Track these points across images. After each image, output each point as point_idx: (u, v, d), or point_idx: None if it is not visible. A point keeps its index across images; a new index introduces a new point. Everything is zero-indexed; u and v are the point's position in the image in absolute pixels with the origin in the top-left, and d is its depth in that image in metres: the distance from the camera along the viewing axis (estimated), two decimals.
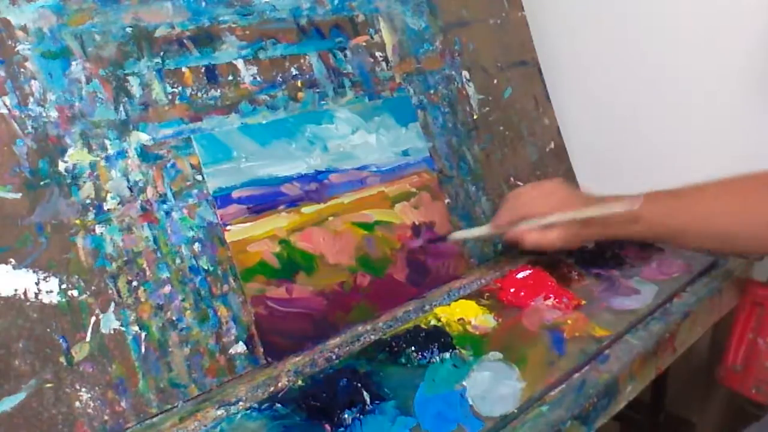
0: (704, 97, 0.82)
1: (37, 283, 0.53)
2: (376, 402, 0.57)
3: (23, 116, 0.55)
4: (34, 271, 0.53)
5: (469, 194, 0.83)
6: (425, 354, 0.63)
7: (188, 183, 0.62)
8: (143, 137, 0.61)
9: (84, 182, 0.57)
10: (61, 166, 0.56)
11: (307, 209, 0.69)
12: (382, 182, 0.75)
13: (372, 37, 0.79)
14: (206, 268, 0.61)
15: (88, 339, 0.54)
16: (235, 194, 0.65)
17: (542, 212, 0.70)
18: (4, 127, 0.54)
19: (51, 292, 0.53)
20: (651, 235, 0.70)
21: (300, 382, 0.60)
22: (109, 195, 0.58)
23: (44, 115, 0.56)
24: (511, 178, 0.88)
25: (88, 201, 0.57)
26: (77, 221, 0.56)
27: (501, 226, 0.73)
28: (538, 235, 0.70)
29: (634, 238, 0.71)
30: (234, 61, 0.68)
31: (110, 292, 0.56)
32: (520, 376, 0.60)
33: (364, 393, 0.57)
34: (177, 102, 0.63)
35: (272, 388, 0.59)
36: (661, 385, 0.96)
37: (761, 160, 0.78)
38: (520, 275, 0.77)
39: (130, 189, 0.59)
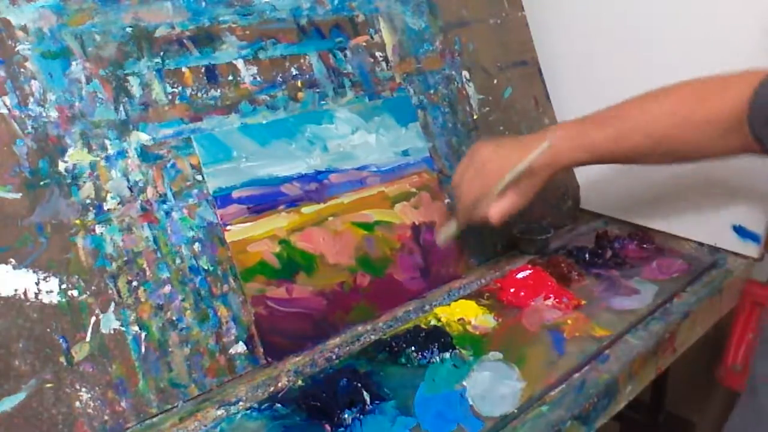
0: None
1: (37, 283, 0.53)
2: (376, 402, 0.57)
3: (23, 116, 0.55)
4: (34, 271, 0.53)
5: None
6: (425, 354, 0.63)
7: (188, 183, 0.62)
8: (143, 137, 0.61)
9: (84, 182, 0.57)
10: (61, 166, 0.56)
11: (307, 209, 0.69)
12: (382, 182, 0.75)
13: (372, 37, 0.79)
14: (206, 268, 0.61)
15: (88, 339, 0.54)
16: (235, 194, 0.65)
17: (485, 187, 0.69)
18: (4, 127, 0.54)
19: (51, 292, 0.53)
20: (589, 156, 0.68)
21: (300, 382, 0.60)
22: (109, 195, 0.58)
23: (44, 115, 0.56)
24: None
25: (88, 201, 0.57)
26: (77, 221, 0.56)
27: (464, 216, 0.73)
28: (498, 207, 0.69)
29: (582, 163, 0.70)
30: (234, 61, 0.68)
31: (110, 292, 0.56)
32: (520, 376, 0.60)
33: (364, 393, 0.57)
34: (177, 102, 0.63)
35: (272, 388, 0.59)
36: (661, 385, 0.96)
37: (760, 163, 0.78)
38: (520, 275, 0.77)
39: (130, 189, 0.59)
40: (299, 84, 0.72)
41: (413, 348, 0.63)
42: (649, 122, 0.64)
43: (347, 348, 0.65)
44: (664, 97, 0.64)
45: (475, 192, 0.70)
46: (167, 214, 0.60)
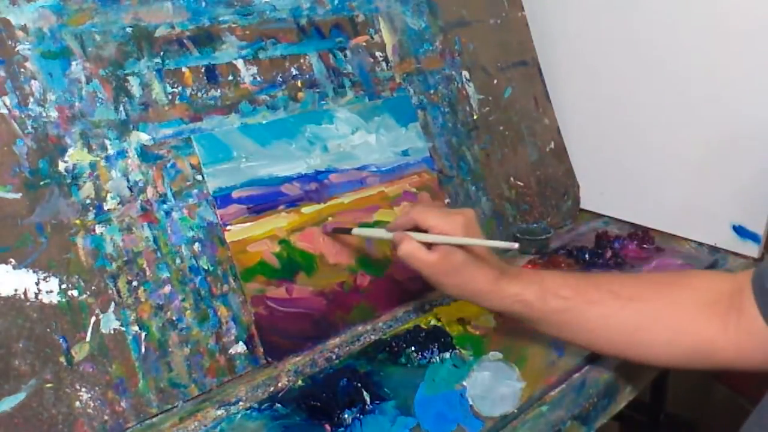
0: (705, 97, 0.82)
1: (37, 283, 0.53)
2: (376, 402, 0.57)
3: (23, 116, 0.55)
4: (34, 271, 0.53)
5: (469, 194, 0.83)
6: (425, 354, 0.63)
7: (188, 183, 0.62)
8: (143, 137, 0.61)
9: (84, 182, 0.57)
10: (61, 166, 0.56)
11: (307, 209, 0.69)
12: (382, 182, 0.75)
13: (372, 37, 0.79)
14: (206, 268, 0.61)
15: (88, 339, 0.54)
16: (235, 194, 0.65)
17: (434, 227, 0.58)
18: (4, 127, 0.54)
19: (51, 292, 0.53)
20: (507, 309, 0.59)
21: (300, 382, 0.60)
22: (109, 195, 0.58)
23: (44, 115, 0.56)
24: (511, 178, 0.88)
25: (88, 201, 0.57)
26: (77, 221, 0.56)
27: (393, 229, 0.62)
28: (415, 248, 0.58)
29: (492, 308, 0.60)
30: (234, 61, 0.68)
31: (110, 292, 0.56)
32: (520, 376, 0.60)
33: (364, 393, 0.57)
34: (177, 102, 0.63)
35: (272, 388, 0.59)
36: (661, 385, 0.96)
37: (761, 163, 0.79)
38: None
39: (130, 189, 0.59)
40: (299, 84, 0.72)
41: (413, 348, 0.63)
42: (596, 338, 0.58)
43: (347, 348, 0.65)
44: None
45: (423, 219, 0.59)
46: (167, 214, 0.61)
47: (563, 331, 0.59)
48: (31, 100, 0.55)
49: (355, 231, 0.67)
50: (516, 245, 0.55)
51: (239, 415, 0.56)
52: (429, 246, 0.58)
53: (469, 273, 0.58)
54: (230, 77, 0.67)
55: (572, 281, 0.58)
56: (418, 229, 0.59)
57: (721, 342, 0.53)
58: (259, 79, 0.69)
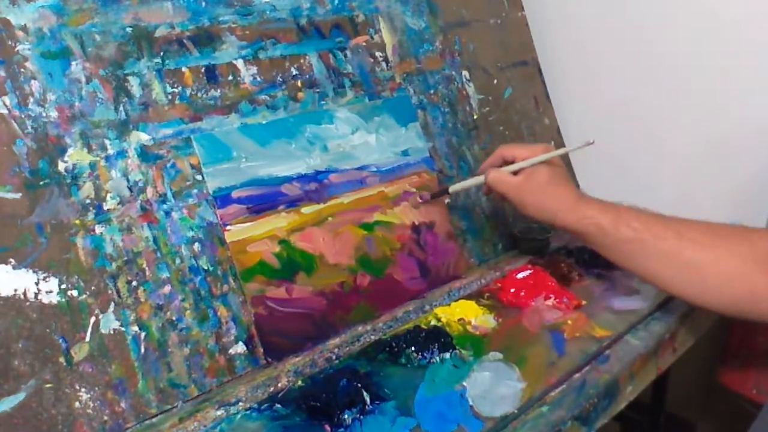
0: (705, 97, 0.82)
1: (36, 283, 0.53)
2: (376, 402, 0.57)
3: (23, 116, 0.55)
4: (34, 271, 0.53)
5: (469, 194, 0.83)
6: (425, 354, 0.63)
7: (188, 183, 0.62)
8: (143, 137, 0.61)
9: (84, 182, 0.57)
10: (61, 166, 0.56)
11: (307, 209, 0.69)
12: (382, 182, 0.75)
13: (372, 37, 0.79)
14: (206, 268, 0.61)
15: (87, 339, 0.54)
16: (235, 194, 0.64)
17: (519, 155, 0.70)
18: (4, 127, 0.54)
19: (51, 292, 0.53)
20: (583, 227, 0.66)
21: (300, 383, 0.60)
22: (109, 195, 0.58)
23: (44, 115, 0.56)
24: None
25: (88, 201, 0.57)
26: (77, 221, 0.56)
27: (483, 169, 0.74)
28: (502, 174, 0.69)
29: (569, 224, 0.67)
30: (234, 61, 0.68)
31: (110, 292, 0.56)
32: (521, 376, 0.60)
33: (364, 393, 0.57)
34: (177, 102, 0.63)
35: (272, 389, 0.59)
36: (661, 386, 0.96)
37: (761, 162, 0.79)
38: (520, 275, 0.77)
39: (130, 189, 0.59)
40: (299, 84, 0.72)
41: (413, 348, 0.63)
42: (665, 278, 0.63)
43: (347, 348, 0.65)
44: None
45: (509, 152, 0.71)
46: (167, 214, 0.60)
47: (628, 260, 0.64)
48: (31, 100, 0.55)
49: (452, 188, 0.75)
50: (592, 140, 0.66)
51: (239, 416, 0.56)
52: (516, 174, 0.69)
53: (551, 191, 0.67)
54: (230, 77, 0.67)
55: (644, 216, 0.64)
56: (505, 165, 0.71)
57: (765, 294, 0.58)
58: (259, 79, 0.69)
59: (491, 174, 0.70)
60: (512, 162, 0.70)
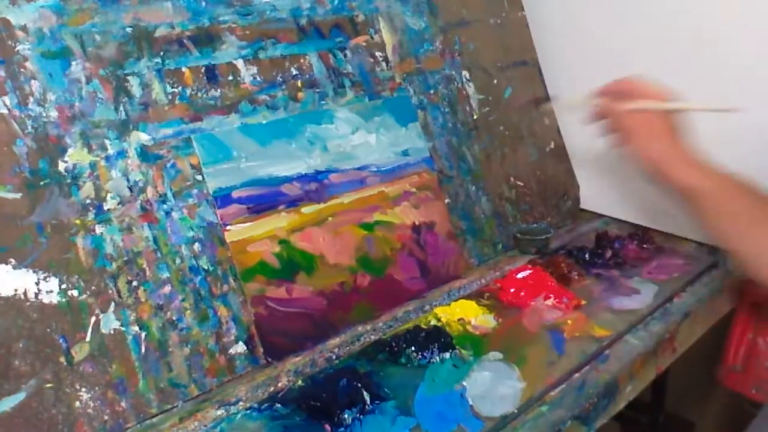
0: (705, 97, 0.82)
1: (37, 283, 0.53)
2: (376, 402, 0.57)
3: (23, 116, 0.55)
4: (34, 271, 0.53)
5: (469, 194, 0.83)
6: (425, 354, 0.63)
7: (188, 183, 0.62)
8: (143, 137, 0.61)
9: (84, 182, 0.57)
10: (61, 166, 0.56)
11: (307, 209, 0.69)
12: (382, 182, 0.75)
13: (372, 37, 0.79)
14: (206, 268, 0.61)
15: (88, 339, 0.54)
16: (235, 194, 0.65)
17: (647, 95, 0.66)
18: (4, 127, 0.54)
19: (51, 292, 0.53)
20: (698, 183, 0.63)
21: (300, 382, 0.60)
22: (109, 195, 0.58)
23: (44, 115, 0.56)
24: (511, 178, 0.88)
25: (88, 201, 0.57)
26: (77, 221, 0.56)
27: (602, 94, 0.69)
28: (636, 113, 0.65)
29: (683, 178, 0.64)
30: (234, 61, 0.68)
31: (110, 292, 0.56)
32: (520, 376, 0.60)
33: (364, 393, 0.57)
34: (177, 102, 0.63)
35: (272, 388, 0.59)
36: (661, 385, 0.97)
37: (760, 163, 0.78)
38: (520, 275, 0.77)
39: (130, 189, 0.59)
40: (299, 84, 0.72)
41: (413, 348, 0.63)
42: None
43: (347, 348, 0.65)
44: None
45: (634, 88, 0.67)
46: (167, 214, 0.60)
47: (722, 233, 0.63)
48: (31, 100, 0.55)
49: (563, 101, 0.73)
50: (736, 106, 0.63)
51: (239, 415, 0.56)
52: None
53: (676, 139, 0.65)
54: (230, 77, 0.67)
55: (754, 193, 0.62)
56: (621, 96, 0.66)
57: None
58: (259, 79, 0.69)
59: (611, 107, 0.66)
60: (631, 97, 0.66)
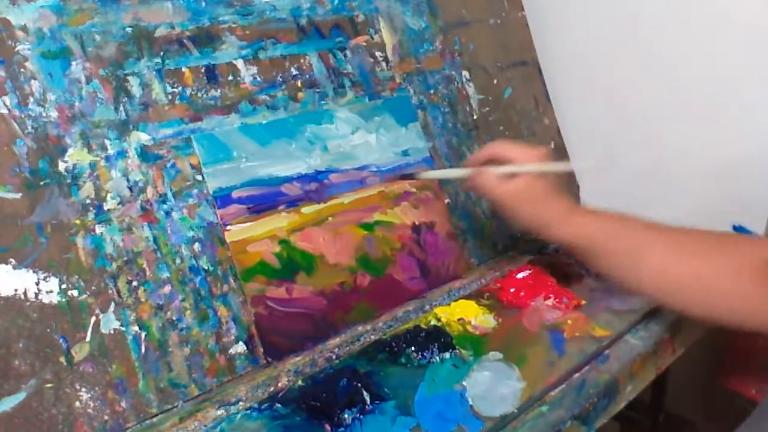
0: (705, 98, 0.82)
1: (37, 283, 0.53)
2: (376, 402, 0.57)
3: (23, 116, 0.55)
4: (34, 271, 0.53)
5: (469, 194, 0.83)
6: (425, 354, 0.63)
7: (188, 183, 0.62)
8: (143, 137, 0.61)
9: (84, 182, 0.57)
10: (61, 166, 0.56)
11: (307, 209, 0.69)
12: (382, 182, 0.75)
13: (372, 37, 0.79)
14: (206, 268, 0.61)
15: (88, 339, 0.54)
16: (235, 194, 0.65)
17: (516, 158, 0.65)
18: (4, 127, 0.54)
19: (51, 292, 0.53)
20: (574, 239, 0.63)
21: (300, 382, 0.60)
22: (109, 195, 0.58)
23: (44, 115, 0.56)
24: None
25: (88, 201, 0.57)
26: (77, 221, 0.56)
27: (470, 164, 0.69)
28: (494, 180, 0.64)
29: (561, 237, 0.64)
30: (234, 61, 0.68)
31: (110, 292, 0.56)
32: (520, 376, 0.60)
33: (364, 393, 0.57)
34: (177, 102, 0.63)
35: (272, 388, 0.59)
36: (661, 385, 0.96)
37: (761, 164, 0.79)
38: (520, 275, 0.77)
39: (130, 189, 0.59)
40: (299, 84, 0.72)
41: (413, 348, 0.63)
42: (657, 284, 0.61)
43: (347, 348, 0.65)
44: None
45: (500, 152, 0.66)
46: (167, 214, 0.61)
47: (622, 273, 0.62)
48: (31, 100, 0.55)
49: (424, 174, 0.71)
50: (593, 162, 0.62)
51: (239, 415, 0.56)
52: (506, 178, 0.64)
53: (547, 202, 0.64)
54: (230, 77, 0.67)
55: (639, 227, 0.62)
56: (494, 163, 0.66)
57: (759, 306, 0.56)
58: (259, 79, 0.69)
59: (481, 177, 0.65)
60: (502, 162, 0.65)
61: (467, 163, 0.70)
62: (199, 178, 0.63)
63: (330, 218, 0.70)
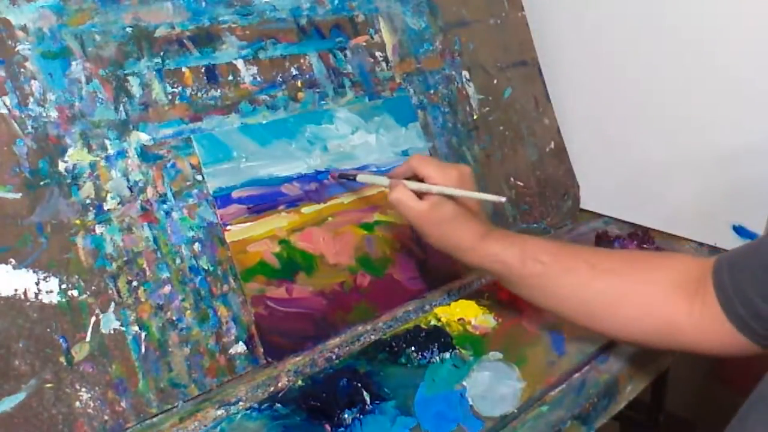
0: (704, 98, 0.82)
1: (37, 283, 0.53)
2: (376, 402, 0.57)
3: (23, 116, 0.55)
4: (34, 271, 0.53)
5: None
6: (425, 354, 0.63)
7: (188, 183, 0.62)
8: (143, 137, 0.61)
9: (84, 182, 0.57)
10: (61, 166, 0.56)
11: (307, 209, 0.69)
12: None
13: (372, 37, 0.79)
14: (206, 268, 0.61)
15: (88, 339, 0.54)
16: (235, 194, 0.65)
17: (430, 177, 0.60)
18: (4, 127, 0.54)
19: (51, 292, 0.53)
20: (489, 265, 0.61)
21: (300, 382, 0.60)
22: (109, 195, 0.58)
23: (44, 115, 0.56)
24: (511, 178, 0.88)
25: (88, 201, 0.57)
26: (77, 221, 0.56)
27: (392, 176, 0.65)
28: (406, 196, 0.60)
29: (472, 262, 0.62)
30: (234, 61, 0.68)
31: (110, 292, 0.56)
32: (520, 376, 0.60)
33: (364, 393, 0.57)
34: (177, 102, 0.63)
35: (272, 388, 0.59)
36: (661, 385, 0.96)
37: (761, 163, 0.79)
38: None
39: (130, 189, 0.59)
40: (299, 84, 0.72)
41: (413, 348, 0.63)
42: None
43: (347, 348, 0.65)
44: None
45: (421, 169, 0.61)
46: (167, 214, 0.61)
47: (538, 295, 0.61)
48: (31, 100, 0.55)
49: (360, 177, 0.69)
50: (503, 198, 0.57)
51: (239, 415, 0.56)
52: (421, 196, 0.60)
53: (455, 226, 0.60)
54: (230, 77, 0.67)
55: (553, 248, 0.60)
56: (416, 178, 0.62)
57: (685, 324, 0.54)
58: (259, 79, 0.69)
59: (395, 193, 0.61)
60: (421, 179, 0.61)
61: (389, 174, 0.66)
62: (199, 178, 0.63)
63: (330, 218, 0.70)
